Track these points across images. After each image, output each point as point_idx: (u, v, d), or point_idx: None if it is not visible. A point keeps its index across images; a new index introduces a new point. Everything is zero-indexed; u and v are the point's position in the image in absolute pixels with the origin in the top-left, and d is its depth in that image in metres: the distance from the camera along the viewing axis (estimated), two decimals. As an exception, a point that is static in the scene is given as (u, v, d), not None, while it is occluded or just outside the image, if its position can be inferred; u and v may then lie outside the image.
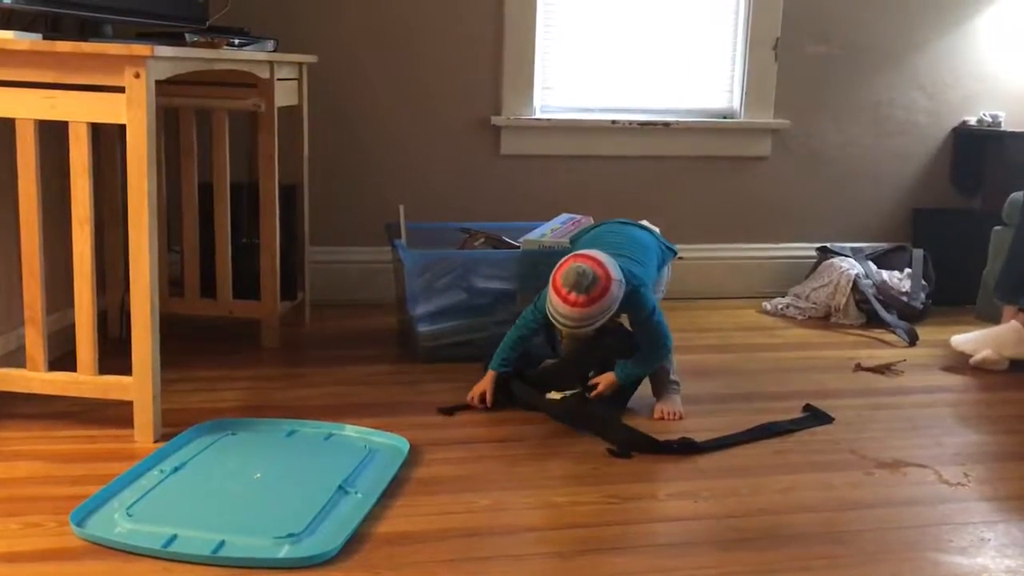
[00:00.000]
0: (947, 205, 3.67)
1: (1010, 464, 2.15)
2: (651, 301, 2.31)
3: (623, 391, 2.36)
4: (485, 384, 2.36)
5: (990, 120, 3.56)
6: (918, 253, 3.39)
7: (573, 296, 2.18)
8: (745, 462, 2.10)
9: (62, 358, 2.23)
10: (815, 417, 2.35)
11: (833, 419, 2.33)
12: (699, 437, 2.18)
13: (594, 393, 2.32)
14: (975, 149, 3.60)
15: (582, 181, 3.39)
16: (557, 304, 2.21)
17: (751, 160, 3.53)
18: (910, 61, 3.57)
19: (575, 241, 2.56)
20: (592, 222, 2.87)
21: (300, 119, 2.96)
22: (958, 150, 3.65)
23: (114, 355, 2.25)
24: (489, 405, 2.34)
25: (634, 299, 2.27)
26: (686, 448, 2.14)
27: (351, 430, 2.15)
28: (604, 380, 2.32)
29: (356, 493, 1.84)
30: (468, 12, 3.25)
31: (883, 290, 3.27)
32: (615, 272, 2.22)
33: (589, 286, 2.17)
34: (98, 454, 2.00)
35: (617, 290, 2.22)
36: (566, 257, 2.26)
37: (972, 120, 3.61)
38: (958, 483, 2.02)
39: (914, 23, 3.54)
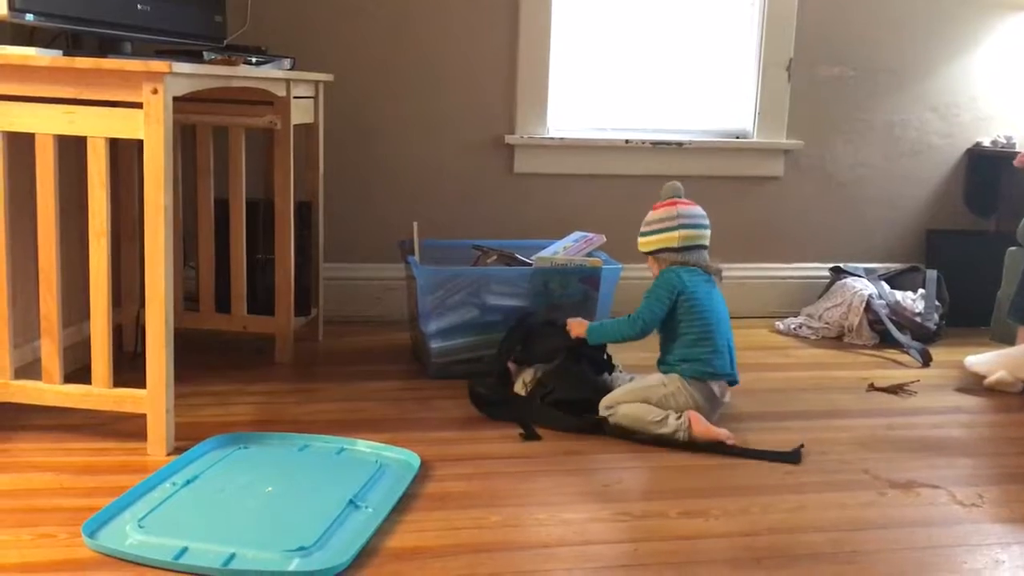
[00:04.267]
0: (961, 226, 3.66)
1: (1025, 486, 2.13)
2: (666, 288, 2.34)
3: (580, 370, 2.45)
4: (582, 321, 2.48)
5: (1004, 141, 3.55)
6: (932, 274, 3.38)
7: (657, 203, 2.45)
8: (757, 481, 2.09)
9: (77, 372, 2.24)
10: (788, 454, 2.21)
11: (799, 461, 2.18)
12: (697, 450, 2.23)
13: (570, 328, 2.46)
14: (989, 170, 3.59)
15: (595, 200, 3.40)
16: (647, 218, 2.46)
17: (764, 180, 3.53)
18: (923, 82, 3.57)
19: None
20: (604, 240, 2.88)
21: (316, 137, 2.98)
22: (972, 171, 3.64)
23: (129, 369, 2.27)
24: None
25: (666, 274, 2.37)
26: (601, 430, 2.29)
27: (363, 445, 2.16)
28: (577, 325, 2.45)
29: (367, 508, 1.84)
30: (483, 31, 3.27)
31: (896, 311, 3.26)
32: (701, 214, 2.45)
33: (675, 195, 2.45)
34: (111, 466, 2.01)
35: (696, 214, 2.43)
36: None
37: (986, 141, 3.61)
38: (972, 504, 2.01)
39: (927, 44, 3.54)
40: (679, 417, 2.26)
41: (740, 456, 2.21)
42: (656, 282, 2.39)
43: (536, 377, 2.44)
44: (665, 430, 2.25)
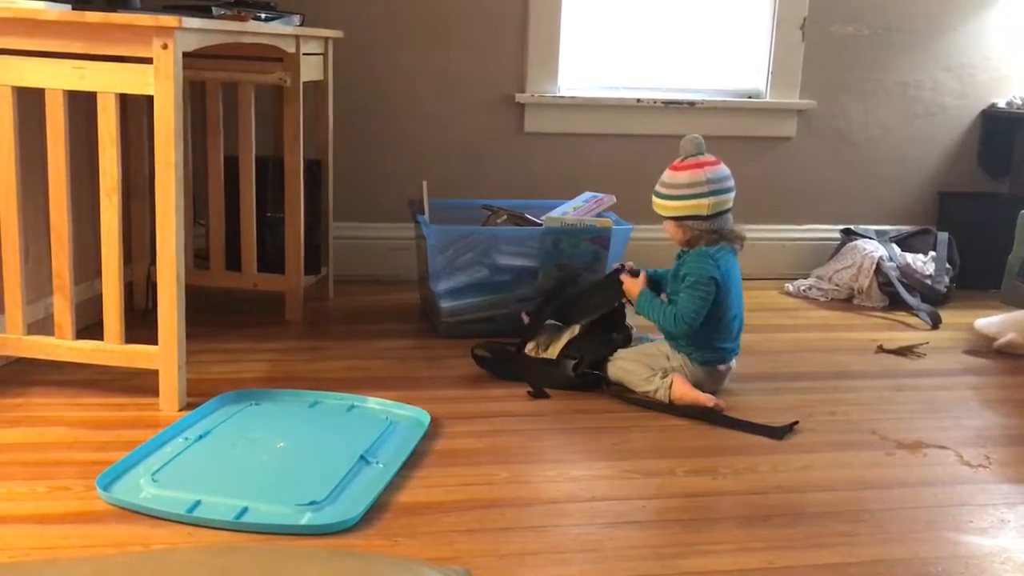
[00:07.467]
0: (973, 188, 3.64)
1: (1032, 447, 2.14)
2: (710, 285, 2.23)
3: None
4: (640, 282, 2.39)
5: (1020, 103, 3.51)
6: (943, 236, 3.36)
7: (679, 162, 2.29)
8: (764, 440, 2.10)
9: (89, 328, 2.26)
10: (773, 428, 2.13)
11: (782, 438, 2.10)
12: (678, 415, 2.21)
13: (626, 284, 2.38)
14: (1003, 132, 3.56)
15: (606, 159, 3.38)
16: (663, 179, 2.31)
17: (776, 140, 3.51)
18: (939, 42, 3.53)
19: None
20: (614, 200, 2.87)
21: (325, 94, 2.97)
22: (986, 133, 3.61)
23: (140, 326, 2.28)
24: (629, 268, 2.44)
25: (703, 264, 2.24)
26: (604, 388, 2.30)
27: (373, 402, 2.17)
28: (633, 286, 2.35)
29: (377, 463, 1.86)
30: (493, -11, 3.24)
31: (907, 273, 3.25)
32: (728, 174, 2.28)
33: (697, 151, 2.27)
34: (124, 421, 2.03)
35: (724, 176, 2.26)
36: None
37: (1001, 103, 3.57)
38: (979, 465, 2.01)
39: (943, 3, 3.49)
40: (664, 376, 2.27)
41: (721, 425, 2.15)
42: (695, 273, 2.24)
43: (550, 339, 2.43)
44: (648, 387, 2.27)
